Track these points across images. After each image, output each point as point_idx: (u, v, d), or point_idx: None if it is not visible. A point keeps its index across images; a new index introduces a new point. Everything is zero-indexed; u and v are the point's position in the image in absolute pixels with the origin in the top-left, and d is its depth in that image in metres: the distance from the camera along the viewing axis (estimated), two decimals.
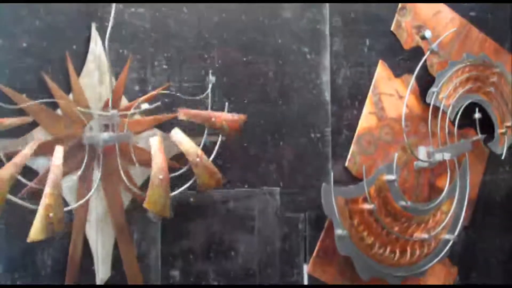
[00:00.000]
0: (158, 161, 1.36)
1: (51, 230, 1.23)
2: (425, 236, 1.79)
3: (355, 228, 1.70)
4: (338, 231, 1.64)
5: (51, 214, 1.23)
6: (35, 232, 1.21)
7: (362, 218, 1.73)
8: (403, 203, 1.76)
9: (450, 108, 1.90)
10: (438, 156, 1.83)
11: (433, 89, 1.88)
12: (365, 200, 1.72)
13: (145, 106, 1.39)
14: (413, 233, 1.80)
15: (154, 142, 1.38)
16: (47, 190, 1.24)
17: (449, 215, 1.85)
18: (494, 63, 2.02)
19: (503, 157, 2.03)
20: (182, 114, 1.45)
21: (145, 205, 1.35)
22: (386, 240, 1.76)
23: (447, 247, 1.86)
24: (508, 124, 2.05)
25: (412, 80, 1.82)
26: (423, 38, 1.84)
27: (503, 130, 2.04)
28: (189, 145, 1.44)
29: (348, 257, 1.70)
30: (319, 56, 1.75)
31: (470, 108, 1.96)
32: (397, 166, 1.76)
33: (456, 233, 1.86)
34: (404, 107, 1.82)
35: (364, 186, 1.70)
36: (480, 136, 1.98)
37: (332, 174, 1.69)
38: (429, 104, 1.87)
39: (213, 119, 1.49)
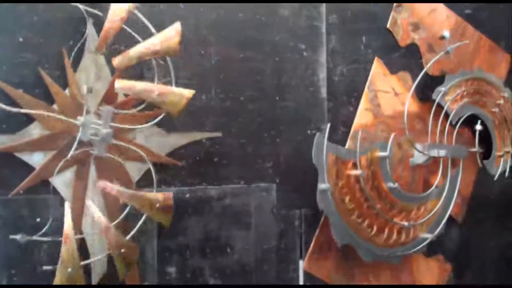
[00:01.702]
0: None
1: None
2: (405, 223, 1.78)
3: (339, 189, 1.69)
4: (322, 185, 1.63)
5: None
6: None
7: (348, 182, 1.71)
8: (391, 184, 1.76)
9: (454, 112, 1.92)
10: (433, 152, 1.84)
11: (441, 88, 1.89)
12: (354, 166, 1.71)
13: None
14: (393, 217, 1.79)
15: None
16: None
17: (431, 213, 1.85)
18: (504, 87, 2.05)
19: (495, 178, 2.04)
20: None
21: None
22: (367, 212, 1.74)
23: (423, 244, 1.85)
24: (507, 149, 2.06)
25: (417, 80, 1.85)
26: (443, 38, 1.88)
27: (501, 153, 2.06)
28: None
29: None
30: (316, 53, 1.75)
31: (471, 115, 1.99)
32: (392, 147, 1.75)
33: (435, 233, 1.86)
34: (406, 104, 1.83)
35: (357, 152, 1.70)
36: (477, 149, 1.99)
37: (328, 126, 1.68)
38: (425, 101, 1.88)
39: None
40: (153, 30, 1.40)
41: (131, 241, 1.39)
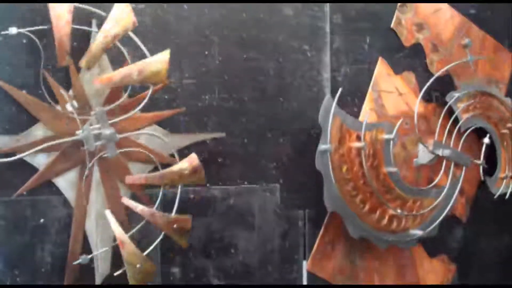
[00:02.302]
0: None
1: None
2: (398, 210, 1.76)
3: (339, 156, 1.67)
4: (323, 146, 1.62)
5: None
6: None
7: (349, 153, 1.70)
8: (390, 168, 1.75)
9: (464, 119, 1.92)
10: (438, 151, 1.83)
11: (456, 93, 1.90)
12: (358, 139, 1.70)
13: None
14: (387, 202, 1.76)
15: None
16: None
17: (425, 210, 1.83)
18: None
19: (495, 197, 2.03)
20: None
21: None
22: (362, 188, 1.72)
23: (411, 239, 1.83)
24: (510, 173, 2.05)
25: (426, 86, 1.85)
26: (466, 46, 1.90)
27: (503, 175, 2.04)
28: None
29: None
30: (320, 53, 1.75)
31: (480, 128, 1.99)
32: (397, 133, 1.76)
33: (426, 230, 1.84)
34: (416, 105, 1.83)
35: (363, 125, 1.69)
36: (481, 162, 1.97)
37: (340, 90, 1.67)
38: (429, 102, 1.88)
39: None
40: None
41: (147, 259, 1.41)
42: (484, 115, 1.99)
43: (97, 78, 1.34)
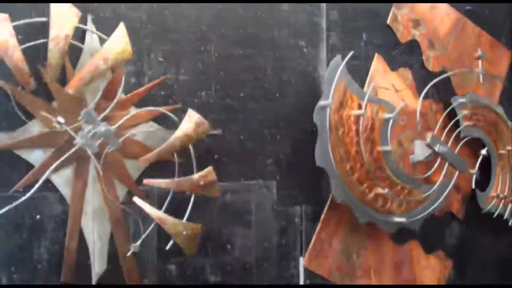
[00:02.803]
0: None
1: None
2: (386, 189, 1.75)
3: (338, 118, 1.67)
4: (323, 101, 1.62)
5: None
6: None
7: (348, 119, 1.70)
8: (386, 147, 1.75)
9: (464, 125, 1.94)
10: (435, 145, 1.83)
11: (462, 99, 1.94)
12: (359, 107, 1.71)
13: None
14: (377, 178, 1.75)
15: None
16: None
17: (411, 200, 1.84)
18: None
19: (482, 212, 2.05)
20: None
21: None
22: (354, 156, 1.71)
23: (391, 223, 1.82)
24: (502, 195, 2.06)
25: (425, 90, 1.88)
26: (479, 58, 1.95)
27: (494, 195, 2.06)
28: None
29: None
30: (316, 49, 1.75)
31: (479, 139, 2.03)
32: (399, 114, 1.77)
33: (407, 220, 1.83)
34: (419, 103, 1.85)
35: (366, 95, 1.70)
36: (475, 171, 1.98)
37: (351, 53, 1.68)
38: (425, 98, 1.88)
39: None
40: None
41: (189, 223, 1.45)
42: (485, 129, 2.00)
43: (69, 86, 1.32)
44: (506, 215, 2.08)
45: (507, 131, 2.07)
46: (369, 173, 1.72)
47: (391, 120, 1.75)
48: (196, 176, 1.46)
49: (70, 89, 1.32)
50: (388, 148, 1.75)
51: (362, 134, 1.70)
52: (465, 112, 1.94)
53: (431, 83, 1.85)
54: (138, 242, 1.45)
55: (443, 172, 1.86)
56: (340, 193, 1.67)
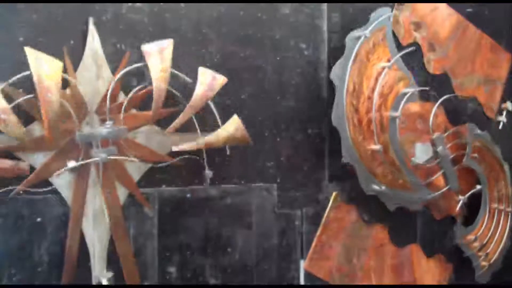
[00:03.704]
0: None
1: None
2: (378, 147, 1.73)
3: (355, 76, 1.70)
4: (357, 32, 1.69)
5: None
6: None
7: (368, 81, 1.73)
8: (395, 113, 1.76)
9: (469, 156, 1.95)
10: (439, 147, 1.84)
11: (478, 131, 1.98)
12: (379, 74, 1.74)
13: None
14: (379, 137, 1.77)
15: None
16: None
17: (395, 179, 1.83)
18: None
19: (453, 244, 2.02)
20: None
21: None
22: (365, 125, 1.73)
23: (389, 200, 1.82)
24: (479, 243, 2.01)
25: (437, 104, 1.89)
26: (508, 110, 2.01)
27: (472, 237, 2.00)
28: None
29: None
30: (317, 51, 1.75)
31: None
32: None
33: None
34: (433, 112, 1.86)
35: (398, 55, 1.76)
36: (463, 199, 1.95)
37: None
38: (426, 101, 1.88)
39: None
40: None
41: None
42: (486, 170, 2.01)
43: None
44: (474, 263, 2.02)
45: (505, 186, 2.08)
46: (372, 129, 1.73)
47: (408, 94, 1.76)
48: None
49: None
50: (397, 114, 1.75)
51: (380, 87, 1.72)
52: (476, 144, 1.96)
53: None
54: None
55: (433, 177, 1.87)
56: (349, 153, 1.69)
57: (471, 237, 1.99)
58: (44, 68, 1.25)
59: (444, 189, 1.89)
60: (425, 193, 1.85)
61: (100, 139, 1.36)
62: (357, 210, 1.82)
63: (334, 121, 1.66)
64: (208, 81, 1.46)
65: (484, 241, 2.01)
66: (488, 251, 2.02)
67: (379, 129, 1.74)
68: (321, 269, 1.75)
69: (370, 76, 1.72)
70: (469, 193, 1.97)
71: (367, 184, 1.74)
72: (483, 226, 2.02)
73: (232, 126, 1.48)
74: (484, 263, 2.02)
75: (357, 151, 1.70)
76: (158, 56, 1.40)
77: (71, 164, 1.32)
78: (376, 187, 1.74)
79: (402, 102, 1.77)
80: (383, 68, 1.73)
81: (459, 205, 1.95)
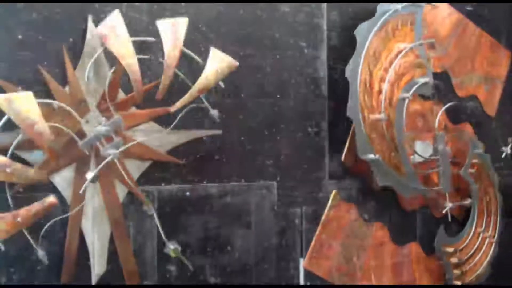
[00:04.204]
0: None
1: None
2: (382, 115, 1.74)
3: (379, 49, 1.73)
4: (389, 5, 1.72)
5: None
6: None
7: (387, 54, 1.75)
8: (406, 94, 1.76)
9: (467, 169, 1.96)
10: (440, 144, 1.85)
11: (480, 151, 2.01)
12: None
13: None
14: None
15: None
16: None
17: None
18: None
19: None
20: None
21: None
22: (376, 97, 1.74)
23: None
24: (458, 259, 1.99)
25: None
26: None
27: (451, 250, 1.98)
28: None
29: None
30: (317, 50, 1.75)
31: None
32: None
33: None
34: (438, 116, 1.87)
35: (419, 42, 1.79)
36: (451, 205, 1.92)
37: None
38: (426, 99, 1.88)
39: None
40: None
41: None
42: (480, 187, 2.01)
43: None
44: (447, 275, 1.99)
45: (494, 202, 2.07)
46: (381, 102, 1.73)
47: (421, 83, 1.77)
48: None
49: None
50: (407, 95, 1.75)
51: (398, 64, 1.73)
52: (475, 160, 1.97)
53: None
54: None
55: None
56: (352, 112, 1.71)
57: (450, 249, 1.96)
58: (18, 108, 1.21)
59: (436, 188, 1.88)
60: (416, 183, 1.82)
61: (102, 138, 1.36)
62: (356, 208, 1.82)
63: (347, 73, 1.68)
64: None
65: (463, 259, 1.98)
66: (464, 270, 1.98)
67: (387, 103, 1.74)
68: (321, 268, 1.75)
69: (391, 50, 1.74)
70: (458, 203, 1.96)
71: (364, 150, 1.71)
72: (465, 243, 2.00)
73: (215, 60, 1.45)
74: (457, 282, 1.98)
75: (362, 113, 1.71)
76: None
77: (90, 175, 1.32)
78: (371, 155, 1.71)
79: (414, 88, 1.76)
80: (404, 48, 1.75)
81: (445, 210, 1.91)
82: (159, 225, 1.48)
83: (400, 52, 1.74)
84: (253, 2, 1.64)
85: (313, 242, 1.74)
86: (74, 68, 1.38)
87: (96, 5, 1.42)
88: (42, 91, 1.34)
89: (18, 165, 1.25)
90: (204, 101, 1.50)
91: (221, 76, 1.45)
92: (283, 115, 1.69)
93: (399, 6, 1.72)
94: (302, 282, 1.73)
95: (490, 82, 2.09)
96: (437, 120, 1.87)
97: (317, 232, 1.74)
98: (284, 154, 1.70)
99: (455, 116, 1.98)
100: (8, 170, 1.23)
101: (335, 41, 1.78)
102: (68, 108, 1.32)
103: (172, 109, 1.43)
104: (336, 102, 1.77)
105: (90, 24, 1.40)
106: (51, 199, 1.28)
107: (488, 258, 2.03)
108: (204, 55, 1.56)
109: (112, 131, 1.36)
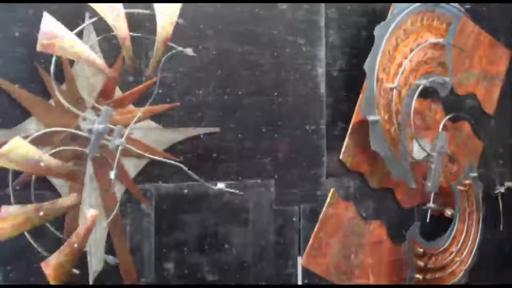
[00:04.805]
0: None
1: None
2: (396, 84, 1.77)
3: (403, 37, 1.76)
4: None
5: None
6: None
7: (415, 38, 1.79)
8: (422, 81, 1.79)
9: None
10: (440, 143, 1.85)
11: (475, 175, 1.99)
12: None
13: None
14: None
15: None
16: None
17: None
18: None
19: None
20: None
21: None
22: (397, 62, 1.77)
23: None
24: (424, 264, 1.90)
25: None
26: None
27: (421, 262, 1.90)
28: None
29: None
30: (315, 47, 1.74)
31: None
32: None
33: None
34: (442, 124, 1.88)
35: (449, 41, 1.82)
36: (433, 206, 1.87)
37: None
38: (425, 98, 1.88)
39: None
40: None
41: None
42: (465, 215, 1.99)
43: None
44: (410, 273, 1.88)
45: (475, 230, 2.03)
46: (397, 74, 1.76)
47: (440, 80, 1.81)
48: None
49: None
50: (424, 82, 1.78)
51: (423, 53, 1.77)
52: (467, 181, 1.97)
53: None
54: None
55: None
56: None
57: (420, 249, 1.89)
58: (16, 157, 1.18)
59: (423, 182, 1.87)
60: (405, 164, 1.80)
61: (104, 135, 1.35)
62: (355, 206, 1.82)
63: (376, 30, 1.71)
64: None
65: (428, 265, 1.90)
66: (427, 277, 1.90)
67: (403, 79, 1.76)
68: (319, 266, 1.75)
69: (421, 36, 1.79)
70: (439, 209, 1.93)
71: (369, 110, 1.71)
72: (437, 251, 1.94)
73: (162, 12, 1.36)
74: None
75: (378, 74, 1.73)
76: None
77: (112, 174, 1.33)
78: (374, 116, 1.70)
79: (432, 79, 1.81)
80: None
81: (428, 214, 1.88)
82: None
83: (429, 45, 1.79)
84: (251, 2, 1.63)
85: (311, 240, 1.73)
86: (71, 66, 1.37)
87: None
88: (39, 89, 1.34)
89: (46, 204, 1.25)
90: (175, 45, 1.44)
91: (175, 18, 1.37)
92: (281, 113, 1.69)
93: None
94: (300, 281, 1.73)
95: (489, 80, 2.09)
96: (441, 125, 1.88)
97: (315, 230, 1.74)
98: (282, 152, 1.70)
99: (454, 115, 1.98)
100: (41, 213, 1.23)
101: (334, 39, 1.78)
102: (67, 104, 1.31)
103: (150, 70, 1.38)
104: (335, 100, 1.77)
105: (88, 21, 1.39)
106: (93, 212, 1.29)
107: (455, 280, 1.98)
108: (202, 53, 1.56)
109: (108, 122, 1.35)
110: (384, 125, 1.73)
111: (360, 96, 1.77)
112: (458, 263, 1.96)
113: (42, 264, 1.23)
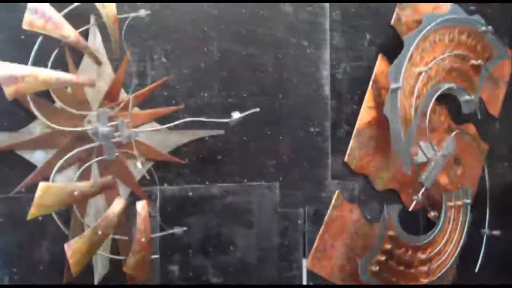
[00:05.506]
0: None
1: None
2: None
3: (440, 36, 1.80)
4: None
5: None
6: None
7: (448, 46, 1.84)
8: (449, 85, 1.83)
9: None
10: (445, 148, 1.86)
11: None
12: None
13: None
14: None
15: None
16: None
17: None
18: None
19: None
20: None
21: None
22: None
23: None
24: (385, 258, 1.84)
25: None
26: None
27: (388, 246, 1.83)
28: None
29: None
30: (319, 50, 1.74)
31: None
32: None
33: None
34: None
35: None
36: (419, 197, 1.84)
37: None
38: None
39: None
40: None
41: None
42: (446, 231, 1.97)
43: None
44: (369, 253, 1.80)
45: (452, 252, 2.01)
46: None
47: (465, 97, 1.89)
48: None
49: None
50: (449, 86, 1.83)
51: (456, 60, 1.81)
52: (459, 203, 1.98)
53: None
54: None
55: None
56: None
57: (392, 232, 1.83)
58: (45, 204, 1.23)
59: (420, 173, 1.86)
60: (407, 151, 1.77)
61: (112, 134, 1.36)
62: (359, 209, 1.82)
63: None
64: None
65: (394, 251, 1.84)
66: (384, 276, 1.83)
67: (429, 74, 1.79)
68: (323, 268, 1.75)
69: (457, 44, 1.85)
70: (425, 205, 1.90)
71: (396, 77, 1.72)
72: (409, 244, 1.89)
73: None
74: (374, 267, 1.79)
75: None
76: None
77: (139, 164, 1.37)
78: (397, 84, 1.71)
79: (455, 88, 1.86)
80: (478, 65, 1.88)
81: (413, 204, 1.86)
82: None
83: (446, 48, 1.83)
84: (255, 2, 1.63)
85: (316, 243, 1.73)
86: (77, 69, 1.38)
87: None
88: (45, 91, 1.34)
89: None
90: None
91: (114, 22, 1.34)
92: (285, 115, 1.69)
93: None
94: (304, 283, 1.73)
95: (494, 82, 2.08)
96: (452, 137, 1.91)
97: (320, 232, 1.74)
98: (286, 154, 1.70)
99: (458, 116, 1.98)
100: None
101: (338, 41, 1.78)
102: (70, 109, 1.32)
103: (116, 53, 1.36)
104: (339, 102, 1.77)
105: (93, 23, 1.40)
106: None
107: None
108: (206, 55, 1.57)
109: (107, 123, 1.36)
110: (402, 100, 1.72)
111: (365, 99, 1.77)
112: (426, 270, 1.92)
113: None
